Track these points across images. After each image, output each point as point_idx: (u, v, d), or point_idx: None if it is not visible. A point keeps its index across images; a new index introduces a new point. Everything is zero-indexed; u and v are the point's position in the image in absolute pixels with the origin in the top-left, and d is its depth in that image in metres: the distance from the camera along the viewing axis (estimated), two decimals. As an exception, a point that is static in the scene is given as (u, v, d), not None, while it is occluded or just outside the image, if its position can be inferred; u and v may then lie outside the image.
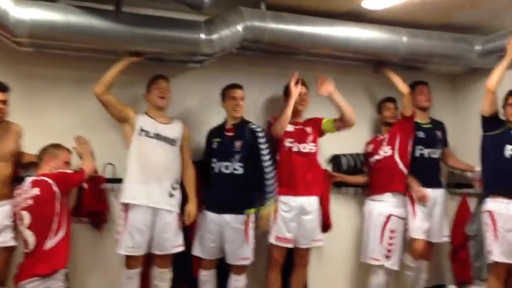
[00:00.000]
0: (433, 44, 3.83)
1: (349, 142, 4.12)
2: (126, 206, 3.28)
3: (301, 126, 3.71)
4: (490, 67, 3.67)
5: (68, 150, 3.27)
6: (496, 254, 3.51)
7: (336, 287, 4.18)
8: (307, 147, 3.66)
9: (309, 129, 3.71)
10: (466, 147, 4.13)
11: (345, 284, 4.22)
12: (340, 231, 4.02)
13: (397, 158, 3.89)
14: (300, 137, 3.66)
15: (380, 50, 3.74)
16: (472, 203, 4.16)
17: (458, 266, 4.25)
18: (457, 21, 3.84)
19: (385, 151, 3.93)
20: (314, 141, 3.70)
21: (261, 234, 3.54)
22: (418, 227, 3.89)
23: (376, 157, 3.97)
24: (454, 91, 4.57)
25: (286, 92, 3.68)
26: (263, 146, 3.46)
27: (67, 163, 3.23)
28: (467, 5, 3.51)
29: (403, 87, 3.91)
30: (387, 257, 3.81)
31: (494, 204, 3.55)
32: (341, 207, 4.05)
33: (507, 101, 3.60)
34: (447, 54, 3.93)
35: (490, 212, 3.55)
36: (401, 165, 3.88)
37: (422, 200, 3.89)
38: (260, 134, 3.49)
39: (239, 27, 3.34)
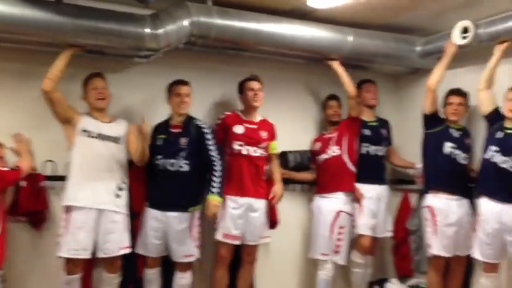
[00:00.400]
0: (377, 44, 3.92)
1: (296, 139, 4.17)
2: (69, 208, 3.17)
3: (254, 127, 3.67)
4: (430, 67, 3.79)
5: (0, 144, 3.14)
6: (435, 247, 3.64)
7: (283, 283, 4.20)
8: (258, 151, 3.64)
9: (264, 134, 3.69)
10: (408, 145, 4.26)
11: (292, 280, 4.26)
12: (287, 228, 4.05)
13: (345, 158, 3.95)
14: (251, 139, 3.62)
15: (325, 48, 3.79)
16: (413, 198, 4.30)
17: (400, 260, 4.40)
18: (400, 22, 3.93)
19: (334, 151, 3.97)
20: (266, 147, 3.70)
21: (209, 219, 3.49)
22: (365, 224, 3.98)
23: (324, 156, 4.01)
24: (397, 90, 4.71)
25: (241, 89, 3.68)
26: (210, 143, 3.44)
27: (1, 158, 3.09)
28: (409, 7, 3.59)
29: (350, 87, 3.91)
30: (336, 252, 3.86)
31: (434, 200, 3.67)
32: (288, 204, 4.05)
33: (446, 100, 3.74)
34: (390, 54, 4.03)
35: (429, 207, 3.68)
36: (349, 165, 3.95)
37: (358, 198, 4.00)
38: (207, 131, 3.47)
39: (185, 23, 3.29)
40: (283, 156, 4.11)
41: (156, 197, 3.42)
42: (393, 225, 4.28)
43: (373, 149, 4.10)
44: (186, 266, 3.46)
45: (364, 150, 4.08)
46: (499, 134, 3.35)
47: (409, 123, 4.26)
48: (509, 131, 3.32)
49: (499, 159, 3.30)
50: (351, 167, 3.95)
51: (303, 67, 4.15)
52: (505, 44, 3.43)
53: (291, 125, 4.17)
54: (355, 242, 4.05)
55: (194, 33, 3.34)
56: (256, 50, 3.70)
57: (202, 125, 3.48)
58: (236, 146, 3.59)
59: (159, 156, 3.41)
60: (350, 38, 3.80)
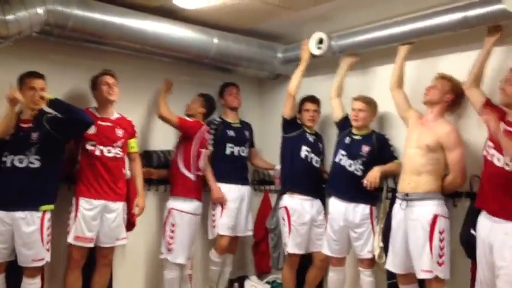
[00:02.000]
0: (241, 48, 4.02)
1: (161, 138, 4.13)
2: None
3: (109, 124, 3.52)
4: (290, 74, 3.98)
5: None
6: (290, 246, 3.84)
7: (140, 285, 4.12)
8: (113, 151, 3.49)
9: (120, 132, 3.54)
10: (270, 147, 4.43)
11: (150, 282, 4.17)
12: (144, 228, 3.95)
13: (179, 162, 3.89)
14: (105, 138, 3.46)
15: (191, 49, 3.80)
16: (273, 198, 4.49)
17: (259, 258, 4.56)
18: (264, 29, 4.08)
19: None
20: (123, 146, 3.56)
21: None
22: (225, 224, 4.06)
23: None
24: (261, 94, 4.88)
25: (95, 84, 3.52)
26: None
27: None
28: (270, 15, 3.74)
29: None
30: (169, 250, 3.80)
31: (290, 201, 3.87)
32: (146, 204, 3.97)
33: (302, 107, 3.96)
34: (254, 58, 4.16)
35: (285, 207, 3.87)
36: (182, 169, 3.88)
37: (218, 201, 4.06)
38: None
39: (40, 10, 3.07)
40: (146, 155, 4.03)
41: (2, 196, 3.14)
42: (254, 224, 4.43)
43: (237, 150, 4.20)
44: (35, 271, 3.22)
45: (228, 150, 4.17)
46: (347, 140, 3.63)
47: (271, 127, 4.41)
48: (355, 137, 3.62)
49: (346, 162, 3.57)
50: (185, 171, 3.88)
51: (170, 66, 4.08)
52: (353, 59, 3.74)
53: (156, 124, 4.09)
54: (214, 241, 4.12)
55: (50, 22, 3.14)
56: (118, 45, 3.58)
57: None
58: (89, 146, 3.42)
59: (5, 153, 3.15)
60: (216, 41, 3.85)
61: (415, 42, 3.37)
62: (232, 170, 4.17)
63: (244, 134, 4.31)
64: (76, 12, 3.21)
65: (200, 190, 3.97)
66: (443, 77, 3.17)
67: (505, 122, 2.77)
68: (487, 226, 2.75)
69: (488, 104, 2.92)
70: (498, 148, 2.72)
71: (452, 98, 3.13)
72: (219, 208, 4.08)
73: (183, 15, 3.74)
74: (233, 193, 4.12)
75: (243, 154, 4.26)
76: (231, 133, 4.20)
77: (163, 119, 3.85)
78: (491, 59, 3.05)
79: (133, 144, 3.67)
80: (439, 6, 3.18)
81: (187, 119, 3.95)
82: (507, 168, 2.68)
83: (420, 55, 3.49)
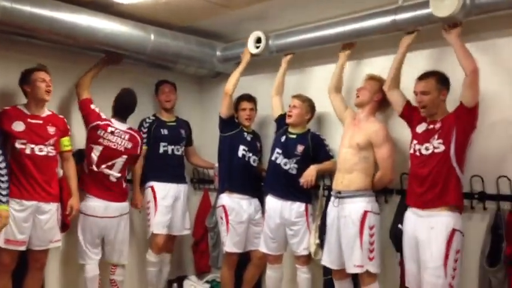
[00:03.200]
0: (180, 45, 3.96)
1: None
2: None
3: (39, 122, 3.34)
4: (229, 72, 3.98)
5: None
6: (228, 245, 3.83)
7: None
8: (45, 150, 3.33)
9: (51, 130, 3.38)
10: (210, 146, 4.38)
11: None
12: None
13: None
14: (35, 137, 3.30)
15: (127, 45, 3.70)
16: (213, 197, 4.47)
17: (199, 257, 4.53)
18: (203, 26, 4.05)
19: None
20: (55, 144, 3.41)
21: None
22: (159, 222, 4.00)
23: None
24: (201, 93, 4.85)
25: (26, 80, 3.34)
26: None
27: None
28: (208, 12, 3.71)
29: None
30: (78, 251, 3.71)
31: (228, 200, 3.86)
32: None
33: (239, 106, 3.97)
34: (192, 56, 4.11)
35: (223, 206, 3.86)
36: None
37: (135, 207, 4.02)
38: None
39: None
40: (79, 153, 3.89)
41: None
42: (193, 222, 4.41)
43: (171, 148, 4.16)
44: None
45: (162, 149, 4.12)
46: (283, 138, 3.67)
47: (211, 125, 4.38)
48: (291, 136, 3.66)
49: (281, 161, 3.61)
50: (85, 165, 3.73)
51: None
52: (290, 56, 3.79)
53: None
54: (149, 240, 4.05)
55: (-27, 13, 2.98)
56: (49, 39, 3.46)
57: None
58: (18, 144, 3.25)
59: None
60: (153, 37, 3.78)
61: (355, 46, 3.46)
62: (166, 168, 4.12)
63: (179, 133, 4.27)
64: (4, 4, 3.05)
65: (99, 187, 3.68)
66: (371, 78, 3.28)
67: (427, 122, 2.90)
68: (412, 221, 2.86)
69: (409, 105, 3.04)
70: (421, 142, 2.86)
71: (381, 97, 3.23)
72: (153, 207, 4.01)
73: (119, 10, 3.65)
74: (167, 191, 4.08)
75: (177, 153, 4.22)
76: (164, 132, 4.15)
77: (76, 86, 3.72)
78: (422, 62, 3.17)
79: (67, 143, 3.53)
80: (373, 9, 3.28)
81: (95, 109, 3.72)
82: (424, 152, 2.82)
83: (355, 57, 3.57)
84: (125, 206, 3.80)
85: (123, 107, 3.84)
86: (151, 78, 4.31)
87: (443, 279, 2.67)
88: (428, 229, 2.74)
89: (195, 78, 4.74)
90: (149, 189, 4.08)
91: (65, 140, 3.52)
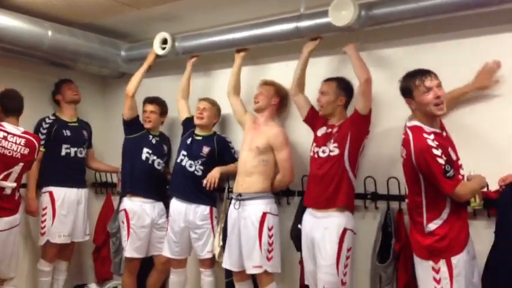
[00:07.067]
0: (79, 43, 3.80)
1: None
2: None
3: None
4: (134, 73, 3.88)
5: None
6: (128, 250, 3.74)
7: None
8: None
9: None
10: (114, 149, 4.22)
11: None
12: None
13: None
14: None
15: (21, 40, 3.49)
16: (116, 202, 4.32)
17: (100, 264, 4.35)
18: (106, 24, 3.92)
19: None
20: None
21: None
22: (56, 231, 3.83)
23: None
24: (104, 93, 4.70)
25: None
26: None
27: None
28: (110, 11, 3.60)
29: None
30: None
31: (130, 203, 3.77)
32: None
33: (143, 108, 3.87)
34: (94, 55, 3.96)
35: (125, 210, 3.76)
36: None
37: (30, 214, 3.81)
38: None
39: None
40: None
41: None
42: (94, 228, 4.23)
43: (73, 151, 3.99)
44: None
45: (64, 152, 3.94)
46: (189, 140, 3.65)
47: (115, 127, 4.23)
48: (197, 138, 3.65)
49: (187, 163, 3.58)
50: None
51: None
52: (195, 59, 3.79)
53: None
54: (42, 249, 3.85)
55: None
56: None
57: None
58: None
59: None
60: (50, 33, 3.59)
61: (250, 50, 3.51)
62: (68, 172, 3.95)
63: (82, 134, 4.10)
64: None
65: None
66: (266, 83, 3.38)
67: (327, 126, 3.03)
68: (309, 221, 2.96)
69: (313, 110, 3.16)
70: (319, 145, 2.98)
71: (278, 100, 3.34)
72: (50, 214, 3.81)
73: (14, 4, 3.45)
74: (68, 197, 3.90)
75: (80, 155, 4.05)
76: (67, 133, 3.97)
77: None
78: (324, 69, 3.30)
79: None
80: (278, 15, 3.35)
81: None
82: (321, 155, 2.93)
83: (254, 61, 3.65)
84: (16, 218, 3.37)
85: (15, 108, 3.41)
86: (51, 77, 4.10)
87: (336, 276, 2.79)
88: (323, 229, 2.85)
89: (99, 78, 4.58)
90: (47, 194, 3.86)
91: None
